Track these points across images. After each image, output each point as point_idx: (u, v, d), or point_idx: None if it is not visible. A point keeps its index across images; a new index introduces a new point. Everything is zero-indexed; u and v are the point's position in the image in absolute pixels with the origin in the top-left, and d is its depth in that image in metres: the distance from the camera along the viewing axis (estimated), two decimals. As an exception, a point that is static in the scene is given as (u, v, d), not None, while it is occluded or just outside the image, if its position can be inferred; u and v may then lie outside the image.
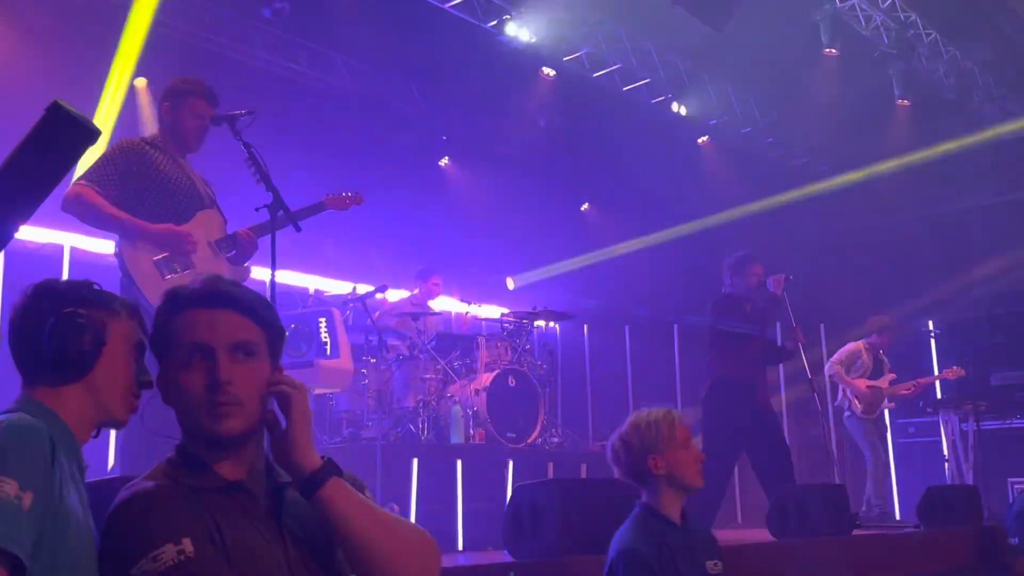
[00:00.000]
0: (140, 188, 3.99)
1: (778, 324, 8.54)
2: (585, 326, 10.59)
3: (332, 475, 1.76)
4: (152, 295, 3.83)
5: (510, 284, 10.07)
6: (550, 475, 6.93)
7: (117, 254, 3.97)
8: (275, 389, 1.80)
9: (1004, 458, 9.89)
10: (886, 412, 8.77)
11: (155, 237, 3.90)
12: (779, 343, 7.32)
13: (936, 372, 10.32)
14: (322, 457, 1.79)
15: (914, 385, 8.53)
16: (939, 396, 9.80)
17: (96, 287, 1.97)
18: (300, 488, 1.75)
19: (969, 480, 8.74)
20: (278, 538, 1.75)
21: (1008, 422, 10.34)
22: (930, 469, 9.80)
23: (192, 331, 1.78)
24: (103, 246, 6.24)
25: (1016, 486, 9.24)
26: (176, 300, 1.85)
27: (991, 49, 9.75)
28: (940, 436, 9.56)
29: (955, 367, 8.80)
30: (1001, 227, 11.94)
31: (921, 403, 9.58)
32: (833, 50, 9.28)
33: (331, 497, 1.74)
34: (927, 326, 10.64)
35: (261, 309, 1.86)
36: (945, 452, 9.23)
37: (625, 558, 2.86)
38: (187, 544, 1.62)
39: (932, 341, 10.95)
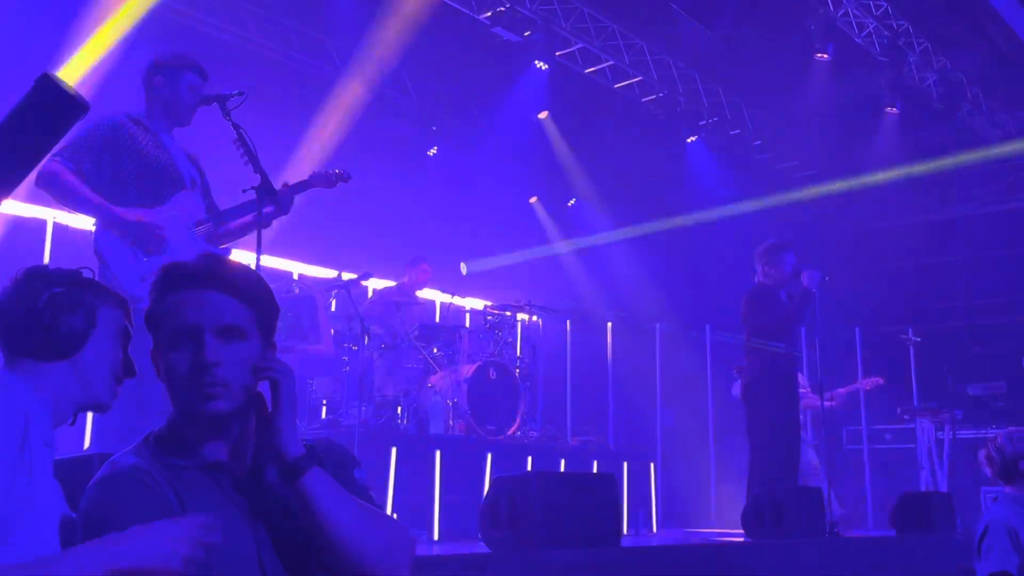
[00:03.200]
0: (116, 166, 3.91)
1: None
2: (568, 321, 10.60)
3: (313, 464, 1.77)
4: (127, 279, 3.78)
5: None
6: (528, 468, 6.95)
7: (94, 234, 3.92)
8: (264, 376, 1.80)
9: (978, 467, 9.96)
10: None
11: (126, 225, 3.84)
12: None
13: (914, 380, 10.40)
14: (305, 443, 1.80)
15: (831, 397, 8.38)
16: (916, 404, 9.86)
17: (87, 273, 1.98)
18: (281, 474, 1.76)
19: (943, 488, 8.79)
20: (251, 520, 1.77)
21: (983, 431, 10.41)
22: (905, 476, 9.86)
23: (181, 312, 1.79)
24: (87, 223, 6.18)
25: (988, 495, 9.30)
26: (168, 277, 1.85)
27: (981, 60, 9.80)
28: (916, 444, 9.61)
29: (875, 377, 8.79)
30: (983, 237, 12.03)
31: (899, 410, 9.63)
32: (825, 55, 9.32)
33: (311, 487, 1.75)
34: (907, 334, 10.69)
35: (252, 288, 1.86)
36: (920, 460, 9.28)
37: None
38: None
39: (911, 349, 11.00)
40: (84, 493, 1.73)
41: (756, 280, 6.70)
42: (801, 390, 8.14)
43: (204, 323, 1.78)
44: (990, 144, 11.32)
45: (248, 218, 4.02)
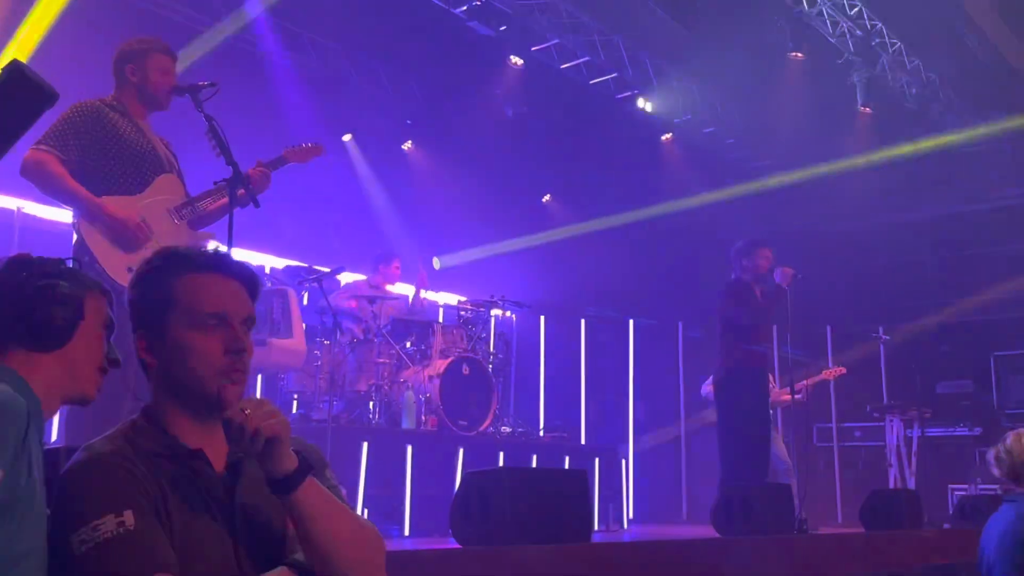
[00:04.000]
0: (99, 152, 3.90)
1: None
2: (542, 317, 10.61)
3: (307, 476, 1.76)
4: (113, 270, 3.77)
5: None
6: (500, 464, 6.95)
7: (74, 226, 3.89)
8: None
9: (946, 465, 10.09)
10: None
11: (110, 223, 3.82)
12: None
13: (884, 378, 10.50)
14: (296, 453, 1.79)
15: (799, 390, 8.45)
16: (885, 402, 9.95)
17: (69, 264, 1.96)
18: (272, 486, 1.74)
19: (911, 485, 8.88)
20: (229, 512, 1.76)
21: (951, 430, 10.54)
22: (873, 473, 9.95)
23: (210, 297, 1.82)
24: (55, 213, 6.12)
25: (956, 492, 9.41)
26: (177, 259, 1.86)
27: (954, 62, 9.88)
28: (885, 441, 9.71)
29: (838, 367, 8.86)
30: (953, 237, 12.16)
31: (868, 408, 9.72)
32: (799, 54, 9.36)
33: (304, 499, 1.74)
34: (877, 332, 10.79)
35: (257, 285, 1.92)
36: (889, 457, 9.37)
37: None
38: (128, 516, 1.61)
39: (881, 347, 11.10)
40: (56, 483, 1.68)
41: (732, 276, 6.76)
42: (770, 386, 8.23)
43: (231, 309, 1.83)
44: (958, 143, 11.44)
45: (224, 200, 3.99)
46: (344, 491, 5.98)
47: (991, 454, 4.16)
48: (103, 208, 3.81)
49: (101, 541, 1.58)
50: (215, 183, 3.99)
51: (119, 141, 3.95)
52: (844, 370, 8.78)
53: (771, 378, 8.17)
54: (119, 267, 3.79)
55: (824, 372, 8.68)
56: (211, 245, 4.28)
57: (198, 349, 1.78)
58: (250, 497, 1.80)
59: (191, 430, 1.80)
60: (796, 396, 8.17)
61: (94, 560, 1.58)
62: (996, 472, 4.12)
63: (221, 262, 1.87)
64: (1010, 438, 4.09)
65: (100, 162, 3.90)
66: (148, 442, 1.76)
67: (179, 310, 1.80)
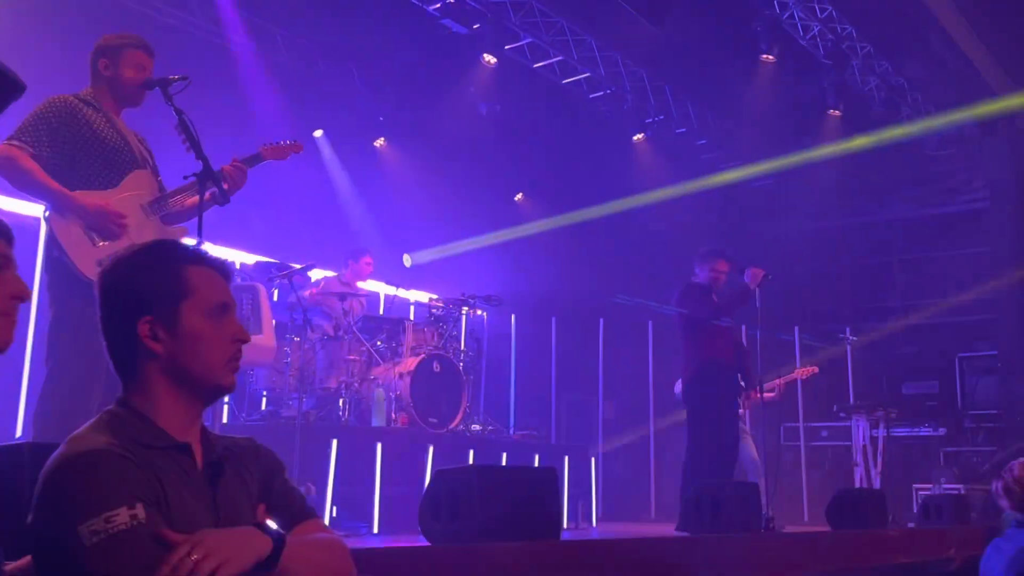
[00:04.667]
0: (72, 147, 3.87)
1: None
2: (513, 315, 10.62)
3: (282, 544, 1.74)
4: (83, 264, 3.75)
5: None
6: (470, 462, 6.94)
7: (46, 219, 3.86)
8: None
9: (910, 464, 10.20)
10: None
11: (85, 212, 3.79)
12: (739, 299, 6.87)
13: (850, 379, 10.59)
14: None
15: (771, 389, 8.52)
16: (852, 402, 10.04)
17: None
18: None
19: (877, 485, 8.97)
20: (212, 508, 1.78)
21: (916, 430, 10.67)
22: (840, 472, 10.04)
23: (219, 289, 1.89)
24: (18, 206, 6.04)
25: (920, 492, 9.52)
26: (185, 250, 1.91)
27: (922, 66, 9.99)
28: (851, 441, 9.80)
29: (811, 367, 8.95)
30: (920, 239, 12.30)
31: (835, 408, 9.80)
32: (770, 57, 9.44)
33: (285, 567, 1.74)
34: (844, 333, 10.89)
35: (231, 284, 1.99)
36: (855, 457, 9.45)
37: None
38: (139, 509, 1.61)
39: (848, 348, 11.21)
40: (45, 477, 1.64)
41: (692, 279, 6.86)
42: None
43: (231, 302, 1.90)
44: (926, 147, 11.58)
45: (205, 196, 3.95)
46: (314, 488, 5.93)
47: (998, 485, 4.17)
48: (75, 201, 3.79)
49: (116, 533, 1.57)
50: (185, 177, 3.96)
51: (92, 136, 3.92)
52: (816, 369, 8.87)
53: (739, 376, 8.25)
54: (89, 261, 3.77)
55: (796, 371, 8.76)
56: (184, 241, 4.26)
57: (213, 337, 1.83)
58: (229, 494, 1.83)
59: (180, 423, 1.81)
60: (769, 395, 8.28)
61: (107, 551, 1.57)
62: (1005, 504, 4.14)
63: (215, 258, 1.93)
64: (1017, 468, 4.12)
65: (73, 158, 3.87)
66: (138, 434, 1.75)
67: (195, 298, 1.83)
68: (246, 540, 1.68)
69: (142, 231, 3.95)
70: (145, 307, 1.81)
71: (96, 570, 1.56)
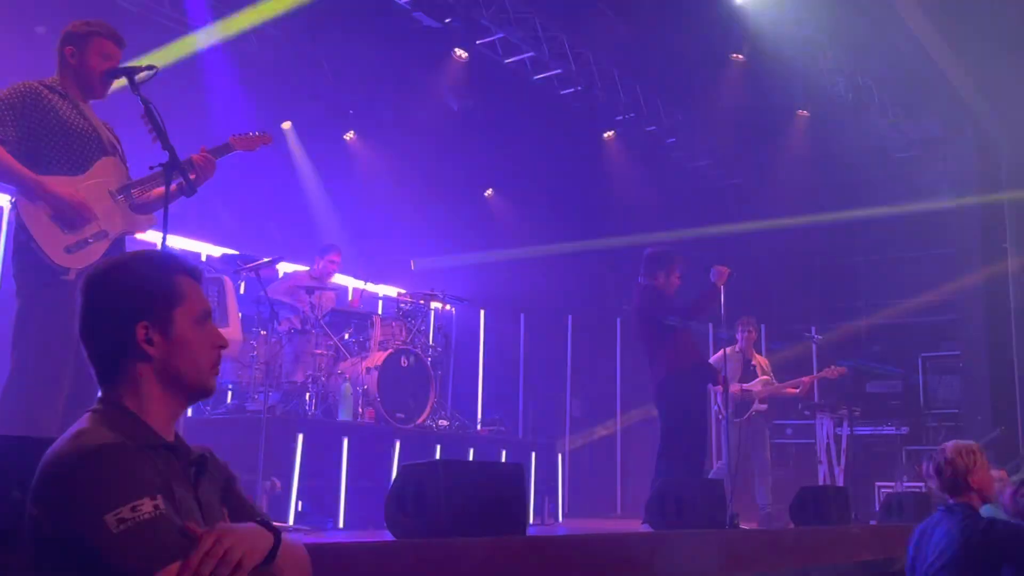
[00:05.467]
0: (39, 133, 3.82)
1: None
2: (482, 311, 10.62)
3: (279, 546, 1.83)
4: (52, 251, 3.72)
5: (413, 266, 10.02)
6: (437, 457, 6.93)
7: (13, 204, 3.81)
8: None
9: (873, 462, 10.31)
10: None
11: (54, 200, 3.74)
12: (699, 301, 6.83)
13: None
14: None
15: (799, 384, 8.77)
16: (816, 400, 10.13)
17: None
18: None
19: (840, 482, 9.06)
20: (198, 505, 1.86)
21: (879, 428, 10.78)
22: (804, 470, 10.12)
23: (202, 297, 1.98)
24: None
25: (883, 490, 9.63)
26: (174, 259, 2.00)
27: (887, 67, 10.08)
28: (815, 439, 9.89)
29: (837, 365, 9.05)
30: (884, 240, 12.42)
31: (800, 405, 9.88)
32: (740, 56, 9.49)
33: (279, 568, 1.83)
34: (810, 332, 10.98)
35: None
36: (819, 454, 9.54)
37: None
38: (160, 500, 1.67)
39: (814, 347, 11.30)
40: (58, 471, 1.67)
41: (641, 282, 6.77)
42: (763, 376, 8.40)
43: (211, 311, 2.01)
44: (894, 150, 11.71)
45: (171, 186, 3.91)
46: (279, 483, 5.88)
47: (929, 466, 4.16)
48: (44, 186, 3.74)
49: (142, 521, 1.63)
50: (151, 167, 3.92)
51: (58, 122, 3.87)
52: (844, 370, 8.98)
53: (760, 370, 8.43)
54: (57, 248, 3.74)
55: (826, 371, 8.91)
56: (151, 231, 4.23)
57: (200, 343, 1.92)
58: (207, 493, 1.92)
59: (165, 423, 1.89)
60: (792, 390, 8.46)
61: (135, 538, 1.62)
62: (935, 484, 4.13)
63: (196, 268, 2.01)
64: (949, 450, 4.09)
65: (39, 143, 3.83)
66: (133, 432, 1.80)
67: (186, 306, 1.92)
68: (259, 535, 1.78)
69: (111, 218, 3.92)
70: (142, 312, 1.88)
71: (124, 557, 1.61)
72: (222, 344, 1.97)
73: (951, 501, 4.05)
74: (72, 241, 3.77)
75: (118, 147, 4.13)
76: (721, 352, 8.50)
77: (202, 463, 1.93)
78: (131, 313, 1.87)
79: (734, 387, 8.33)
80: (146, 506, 1.64)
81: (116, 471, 1.67)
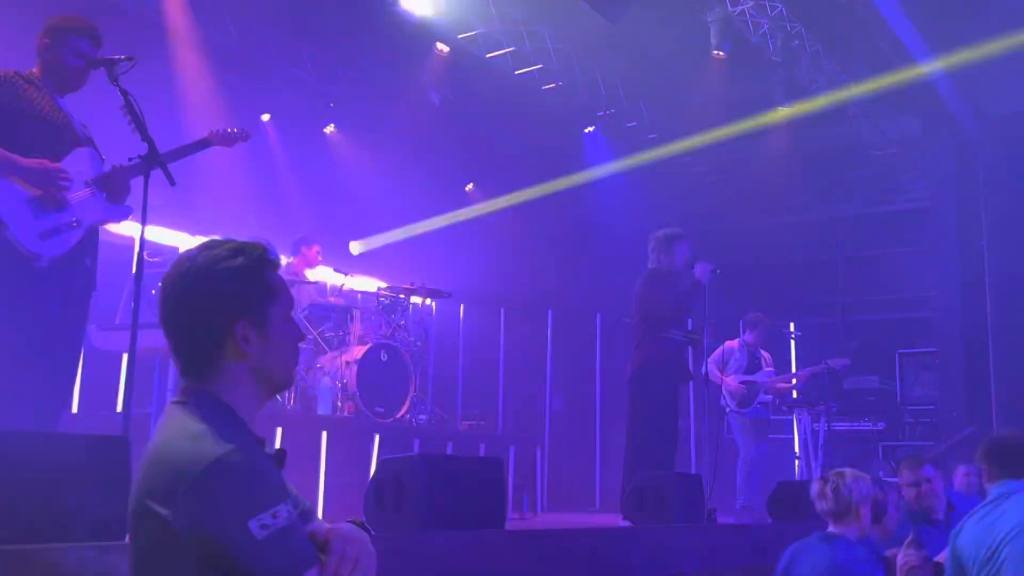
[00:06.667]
0: (12, 121, 3.79)
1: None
2: (462, 305, 10.61)
3: None
4: (24, 236, 3.67)
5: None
6: (416, 451, 6.93)
7: None
8: None
9: (851, 458, 10.36)
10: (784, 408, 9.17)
11: (28, 172, 3.71)
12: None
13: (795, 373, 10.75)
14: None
15: (794, 378, 8.90)
16: (795, 396, 10.19)
17: None
18: None
19: (817, 477, 9.10)
20: None
21: (856, 424, 10.86)
22: (782, 465, 10.18)
23: (288, 292, 1.97)
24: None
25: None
26: (267, 254, 1.94)
27: (868, 66, 10.13)
28: (793, 434, 9.94)
29: (844, 359, 9.15)
30: (863, 236, 12.51)
31: (777, 401, 9.93)
32: (721, 53, 9.51)
33: None
34: (788, 328, 11.04)
35: None
36: (796, 450, 9.60)
37: None
38: (291, 505, 1.73)
39: (792, 343, 11.36)
40: (194, 475, 1.65)
41: (649, 266, 6.72)
42: (768, 368, 8.45)
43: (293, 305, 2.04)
44: (872, 149, 11.78)
45: (145, 178, 3.89)
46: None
47: (816, 488, 4.02)
48: (17, 161, 3.70)
49: (282, 527, 1.66)
50: (130, 159, 3.91)
51: (32, 112, 3.85)
52: (848, 362, 9.05)
53: (765, 363, 8.51)
54: (31, 234, 3.70)
55: (831, 361, 8.98)
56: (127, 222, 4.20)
57: (292, 339, 1.94)
58: None
59: (253, 416, 1.89)
60: (785, 385, 8.52)
61: (278, 543, 1.65)
62: (820, 506, 4.00)
63: (279, 259, 2.01)
64: (849, 476, 3.98)
65: (12, 133, 3.79)
66: (237, 429, 1.80)
67: (279, 302, 1.91)
68: (366, 537, 1.85)
69: (85, 207, 3.90)
70: (242, 310, 1.85)
71: (269, 563, 1.63)
72: (302, 338, 1.97)
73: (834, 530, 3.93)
74: (47, 227, 3.74)
75: (92, 142, 4.10)
76: (728, 344, 8.58)
77: (281, 457, 1.92)
78: (232, 311, 1.84)
79: (732, 380, 8.41)
80: (283, 511, 1.67)
81: (255, 477, 1.69)
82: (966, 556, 3.54)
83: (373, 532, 1.90)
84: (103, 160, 4.10)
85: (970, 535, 3.57)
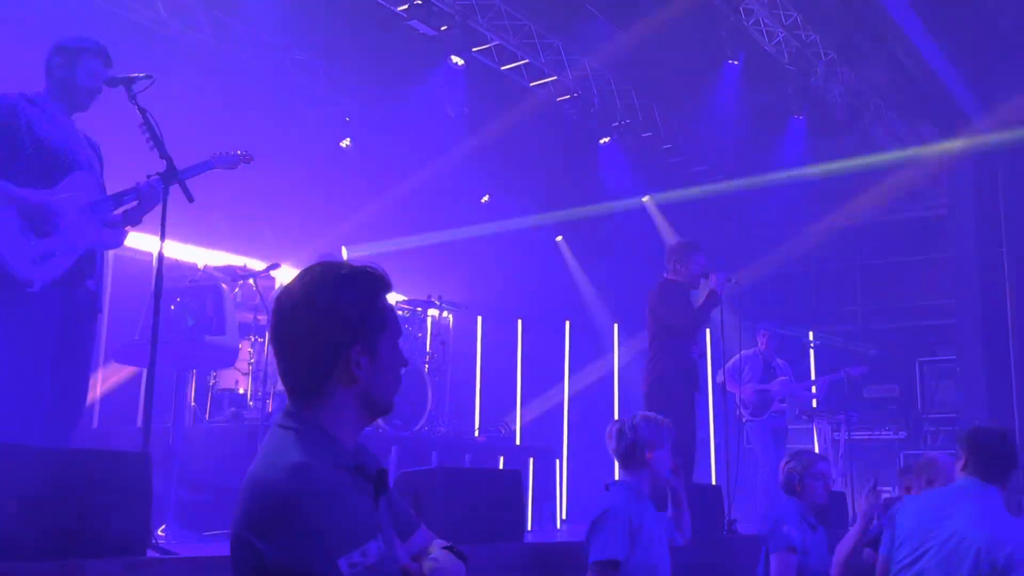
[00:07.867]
0: (10, 144, 3.80)
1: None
2: (479, 317, 10.61)
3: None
4: (15, 261, 3.66)
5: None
6: (434, 464, 6.92)
7: None
8: None
9: (871, 467, 10.32)
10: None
11: (19, 204, 3.72)
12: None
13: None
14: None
15: (813, 386, 8.90)
16: (814, 406, 10.14)
17: None
18: None
19: (838, 487, 9.05)
20: (384, 523, 1.87)
21: (876, 433, 10.80)
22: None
23: (397, 318, 1.94)
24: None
25: (881, 494, 9.62)
26: (381, 280, 1.92)
27: (884, 73, 10.11)
28: (813, 443, 9.88)
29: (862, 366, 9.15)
30: (881, 244, 12.45)
31: (797, 410, 9.88)
32: (736, 62, 9.51)
33: None
34: (807, 336, 10.99)
35: None
36: (817, 459, 9.53)
37: None
38: (380, 541, 1.71)
39: (811, 352, 11.31)
40: (281, 506, 1.68)
41: (664, 276, 6.69)
42: (782, 377, 8.44)
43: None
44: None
45: (164, 195, 3.90)
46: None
47: (614, 427, 3.92)
48: (9, 190, 3.70)
49: (371, 564, 1.67)
50: (148, 176, 3.92)
51: (31, 136, 3.83)
52: (866, 369, 9.06)
53: (780, 371, 8.53)
54: (23, 260, 3.69)
55: (850, 368, 8.96)
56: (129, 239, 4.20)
57: (398, 366, 1.90)
58: (385, 510, 1.91)
59: (353, 440, 1.87)
60: (811, 393, 8.50)
61: None
62: (611, 445, 3.90)
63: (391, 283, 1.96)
64: (639, 418, 3.92)
65: (11, 154, 3.79)
66: (334, 456, 1.79)
67: (390, 330, 1.89)
68: (461, 567, 1.92)
69: (78, 231, 3.88)
70: (355, 336, 1.83)
71: None
72: (405, 364, 1.94)
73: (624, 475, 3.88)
74: (38, 253, 3.73)
75: (96, 166, 4.10)
76: (737, 356, 8.54)
77: (382, 479, 1.89)
78: (346, 337, 1.82)
79: (746, 389, 8.37)
80: (373, 548, 1.68)
81: (347, 513, 1.69)
82: (901, 527, 3.71)
83: (468, 557, 1.93)
84: (103, 183, 4.09)
85: (914, 509, 3.74)
